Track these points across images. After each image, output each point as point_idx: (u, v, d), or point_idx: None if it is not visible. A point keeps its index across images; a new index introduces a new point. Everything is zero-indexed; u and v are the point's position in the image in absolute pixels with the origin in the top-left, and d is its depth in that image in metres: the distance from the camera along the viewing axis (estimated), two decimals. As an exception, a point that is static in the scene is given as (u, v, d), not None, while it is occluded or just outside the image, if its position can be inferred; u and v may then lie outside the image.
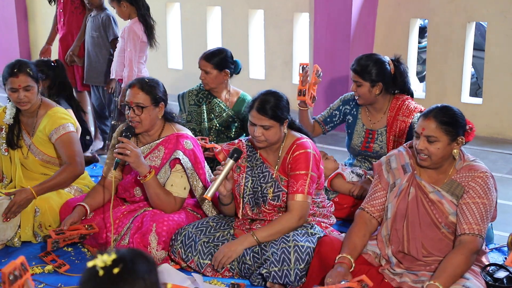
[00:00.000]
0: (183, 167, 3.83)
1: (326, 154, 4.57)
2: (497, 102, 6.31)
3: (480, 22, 7.25)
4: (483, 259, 3.32)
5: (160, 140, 3.90)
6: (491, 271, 3.26)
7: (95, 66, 5.74)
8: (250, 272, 3.56)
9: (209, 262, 3.62)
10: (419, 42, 7.40)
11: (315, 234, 3.56)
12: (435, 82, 6.55)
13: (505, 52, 6.20)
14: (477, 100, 6.57)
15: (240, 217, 3.74)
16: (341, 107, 4.52)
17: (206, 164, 4.03)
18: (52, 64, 5.10)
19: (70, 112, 4.76)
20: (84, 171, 4.27)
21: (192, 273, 3.63)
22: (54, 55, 6.16)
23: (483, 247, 3.32)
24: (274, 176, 3.66)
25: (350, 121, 4.49)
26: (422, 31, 7.56)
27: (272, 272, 3.41)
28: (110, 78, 5.56)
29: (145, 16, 5.36)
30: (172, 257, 3.72)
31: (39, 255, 3.86)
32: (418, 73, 7.70)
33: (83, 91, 6.11)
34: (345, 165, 4.56)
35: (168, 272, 3.52)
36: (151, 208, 3.88)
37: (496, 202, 3.24)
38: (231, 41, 7.62)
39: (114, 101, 5.55)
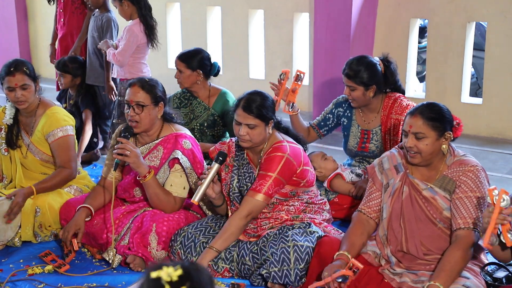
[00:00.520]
0: (182, 166, 3.83)
1: (325, 155, 4.57)
2: (497, 102, 6.30)
3: (480, 22, 7.25)
4: (482, 257, 3.33)
5: (159, 140, 3.90)
6: (490, 271, 3.27)
7: (95, 66, 5.74)
8: (250, 272, 3.56)
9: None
10: (419, 42, 7.39)
11: (314, 232, 3.56)
12: (435, 82, 6.55)
13: (505, 52, 6.20)
14: (477, 100, 6.57)
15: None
16: (334, 110, 4.54)
17: (205, 163, 4.04)
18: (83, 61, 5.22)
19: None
20: (77, 175, 4.30)
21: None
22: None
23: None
24: (256, 177, 3.68)
25: (345, 123, 4.51)
26: (422, 31, 7.56)
27: (272, 273, 3.41)
28: (112, 77, 5.57)
29: (146, 16, 5.35)
30: (172, 257, 3.72)
31: (39, 255, 3.87)
32: (418, 73, 7.69)
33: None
34: (344, 166, 4.56)
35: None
36: (151, 208, 3.88)
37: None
38: (231, 41, 7.62)
39: (115, 100, 5.55)
